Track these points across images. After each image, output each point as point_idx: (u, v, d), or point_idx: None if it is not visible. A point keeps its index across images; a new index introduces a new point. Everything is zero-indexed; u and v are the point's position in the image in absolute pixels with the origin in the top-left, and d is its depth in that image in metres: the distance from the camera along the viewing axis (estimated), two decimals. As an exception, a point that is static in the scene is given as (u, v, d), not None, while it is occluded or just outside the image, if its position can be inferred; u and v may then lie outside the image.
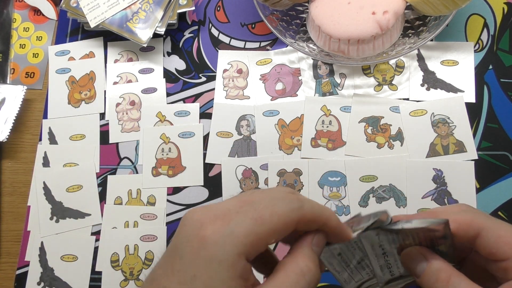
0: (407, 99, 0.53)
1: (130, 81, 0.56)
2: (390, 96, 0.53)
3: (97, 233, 0.51)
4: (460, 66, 0.53)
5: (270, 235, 0.27)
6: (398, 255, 0.32)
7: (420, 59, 0.54)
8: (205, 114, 0.54)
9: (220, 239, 0.26)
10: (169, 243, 0.29)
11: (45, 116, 0.55)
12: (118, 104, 0.55)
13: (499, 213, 0.49)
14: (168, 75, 0.56)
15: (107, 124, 0.54)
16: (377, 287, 0.35)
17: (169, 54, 0.57)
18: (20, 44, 0.59)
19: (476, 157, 0.50)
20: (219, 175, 0.52)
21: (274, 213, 0.27)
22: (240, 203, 0.28)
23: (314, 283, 0.28)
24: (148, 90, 0.56)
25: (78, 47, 0.58)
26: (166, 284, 0.27)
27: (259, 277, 0.30)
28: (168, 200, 0.51)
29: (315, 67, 0.55)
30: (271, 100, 0.54)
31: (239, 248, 0.26)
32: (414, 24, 0.53)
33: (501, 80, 0.53)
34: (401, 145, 0.51)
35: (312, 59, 0.55)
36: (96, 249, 0.50)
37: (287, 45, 0.54)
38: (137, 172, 0.53)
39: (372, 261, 0.33)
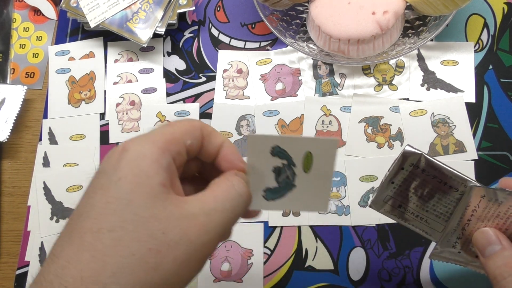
0: (407, 99, 0.53)
1: (130, 81, 0.56)
2: (390, 96, 0.53)
3: (97, 233, 0.51)
4: (460, 66, 0.53)
5: (183, 134, 0.29)
6: (467, 224, 0.34)
7: (420, 59, 0.54)
8: (205, 114, 0.54)
9: (140, 142, 0.27)
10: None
11: (45, 116, 0.55)
12: (118, 104, 0.55)
13: (499, 213, 0.49)
14: (168, 75, 0.56)
15: (107, 124, 0.55)
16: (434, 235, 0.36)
17: (169, 54, 0.57)
18: (20, 44, 0.59)
19: (476, 157, 0.50)
20: (219, 175, 0.52)
21: (181, 120, 0.30)
22: None
23: (245, 198, 0.29)
24: (148, 90, 0.56)
25: (78, 47, 0.58)
26: (92, 202, 0.26)
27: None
28: (168, 200, 0.51)
29: (315, 67, 0.55)
30: (271, 100, 0.54)
31: (159, 144, 0.27)
32: (414, 24, 0.53)
33: (501, 80, 0.53)
34: (401, 145, 0.51)
35: (312, 59, 0.55)
36: (96, 249, 0.50)
37: (287, 45, 0.54)
38: (137, 172, 0.53)
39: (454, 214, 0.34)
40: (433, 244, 0.48)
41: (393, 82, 0.54)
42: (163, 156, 0.27)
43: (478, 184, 0.33)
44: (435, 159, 0.33)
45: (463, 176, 0.33)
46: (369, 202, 0.36)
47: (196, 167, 0.33)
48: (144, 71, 0.56)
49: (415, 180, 0.34)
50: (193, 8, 0.55)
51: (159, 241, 0.25)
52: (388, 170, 0.35)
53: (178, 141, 0.28)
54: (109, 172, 0.26)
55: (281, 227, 0.50)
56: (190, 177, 0.33)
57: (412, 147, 0.34)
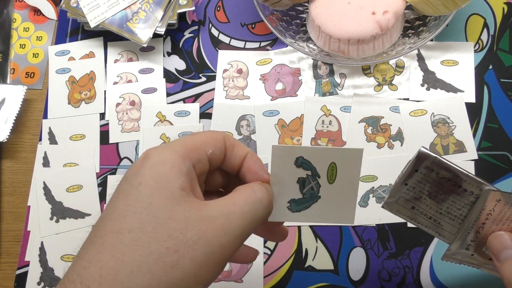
0: (407, 99, 0.53)
1: (130, 81, 0.56)
2: (390, 96, 0.53)
3: (97, 233, 0.51)
4: (460, 66, 0.53)
5: (204, 142, 0.30)
6: (481, 227, 0.34)
7: (420, 59, 0.54)
8: (205, 114, 0.54)
9: (161, 149, 0.28)
10: None
11: (45, 116, 0.55)
12: (118, 104, 0.55)
13: (499, 213, 0.49)
14: (168, 75, 0.56)
15: (107, 124, 0.54)
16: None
17: (169, 54, 0.57)
18: (20, 44, 0.59)
19: (476, 157, 0.50)
20: (219, 175, 0.52)
21: (203, 132, 0.33)
22: None
23: (265, 204, 0.29)
24: (148, 90, 0.56)
25: (78, 47, 0.58)
26: (114, 206, 0.27)
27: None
28: (168, 200, 0.51)
29: (315, 67, 0.55)
30: (271, 100, 0.54)
31: (179, 152, 0.28)
32: (414, 24, 0.53)
33: (501, 80, 0.53)
34: (401, 145, 0.51)
35: (312, 59, 0.55)
36: (96, 249, 0.50)
37: (287, 45, 0.54)
38: (137, 172, 0.53)
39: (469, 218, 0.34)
40: (433, 245, 0.48)
41: (393, 82, 0.54)
42: (183, 163, 0.28)
43: (493, 188, 0.33)
44: (449, 161, 0.33)
45: (478, 179, 0.33)
46: (382, 203, 0.36)
47: (222, 181, 0.33)
48: (144, 71, 0.56)
49: (429, 182, 0.34)
50: (193, 8, 0.55)
51: (177, 241, 0.25)
52: (402, 172, 0.35)
53: (199, 149, 0.29)
54: (131, 178, 0.27)
55: (281, 227, 0.50)
56: (216, 192, 0.34)
57: (427, 149, 0.33)
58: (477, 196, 0.33)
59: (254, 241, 0.49)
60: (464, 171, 0.33)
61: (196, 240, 0.26)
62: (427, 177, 0.34)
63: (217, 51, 0.57)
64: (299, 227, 0.49)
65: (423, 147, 0.34)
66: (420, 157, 0.33)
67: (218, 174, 0.33)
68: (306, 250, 0.49)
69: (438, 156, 0.33)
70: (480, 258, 0.35)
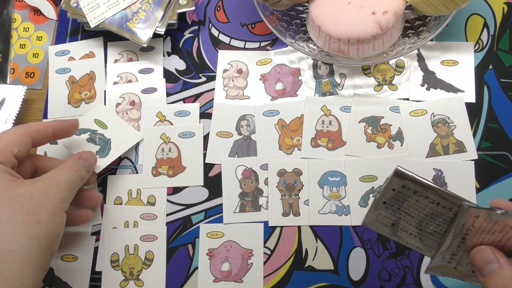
0: (407, 99, 0.53)
1: (130, 81, 0.56)
2: (390, 96, 0.53)
3: (97, 233, 0.51)
4: (460, 66, 0.53)
5: (9, 144, 0.40)
6: (461, 241, 0.34)
7: (420, 59, 0.54)
8: (205, 114, 0.54)
9: None
10: None
11: (45, 116, 0.55)
12: (118, 104, 0.55)
13: (499, 213, 0.49)
14: (168, 75, 0.56)
15: (107, 124, 0.55)
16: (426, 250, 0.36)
17: (169, 54, 0.57)
18: (20, 44, 0.59)
19: (476, 157, 0.50)
20: (219, 175, 0.52)
21: (8, 131, 0.42)
22: None
23: (80, 175, 0.44)
24: (148, 90, 0.56)
25: (78, 47, 0.58)
26: None
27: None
28: (168, 200, 0.51)
29: (315, 67, 0.55)
30: (271, 100, 0.54)
31: None
32: (414, 24, 0.53)
33: (501, 80, 0.53)
34: (401, 145, 0.51)
35: (312, 59, 0.55)
36: (96, 249, 0.50)
37: (287, 45, 0.54)
38: (137, 172, 0.53)
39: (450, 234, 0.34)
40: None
41: (393, 82, 0.54)
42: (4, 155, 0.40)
43: (472, 205, 0.33)
44: (426, 180, 0.33)
45: (455, 195, 0.33)
46: (362, 220, 0.36)
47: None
48: (144, 71, 0.56)
49: (407, 201, 0.34)
50: (193, 8, 0.55)
51: (32, 205, 0.37)
52: (379, 191, 0.35)
53: (5, 152, 0.40)
54: None
55: (281, 227, 0.50)
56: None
57: (403, 168, 0.33)
58: (456, 212, 0.33)
59: (254, 241, 0.49)
60: (441, 189, 0.33)
61: (43, 200, 0.38)
62: (405, 195, 0.34)
63: (217, 51, 0.57)
64: (299, 227, 0.50)
65: (399, 166, 0.33)
66: (397, 177, 0.33)
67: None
68: (306, 250, 0.49)
69: (414, 175, 0.33)
70: (463, 270, 0.35)
